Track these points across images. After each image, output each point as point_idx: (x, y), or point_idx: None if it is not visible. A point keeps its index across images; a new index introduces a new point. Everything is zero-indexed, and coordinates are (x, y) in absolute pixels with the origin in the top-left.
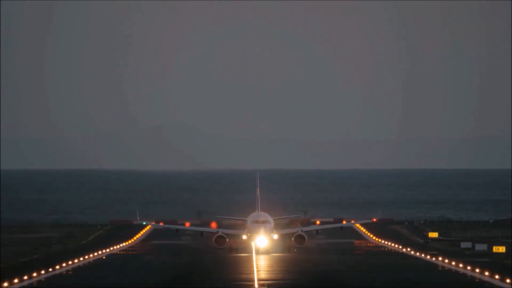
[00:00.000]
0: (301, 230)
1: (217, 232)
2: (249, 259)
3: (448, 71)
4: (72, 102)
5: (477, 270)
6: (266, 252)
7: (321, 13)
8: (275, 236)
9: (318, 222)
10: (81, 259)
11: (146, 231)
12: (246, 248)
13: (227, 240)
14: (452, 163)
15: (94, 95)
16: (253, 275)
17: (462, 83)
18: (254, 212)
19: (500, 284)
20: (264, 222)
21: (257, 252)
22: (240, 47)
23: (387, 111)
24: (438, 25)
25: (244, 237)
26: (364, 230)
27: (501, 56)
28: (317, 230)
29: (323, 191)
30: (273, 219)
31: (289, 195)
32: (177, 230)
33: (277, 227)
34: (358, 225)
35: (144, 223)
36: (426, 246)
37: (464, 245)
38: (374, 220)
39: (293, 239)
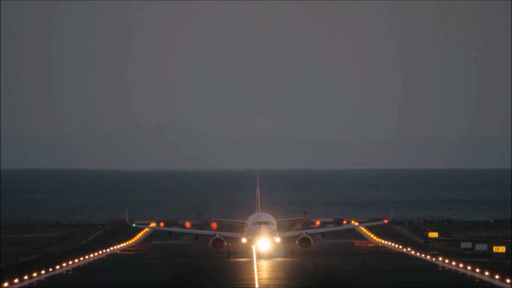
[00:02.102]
0: (306, 233)
1: (214, 234)
2: (250, 264)
3: (447, 71)
4: (74, 102)
5: (477, 270)
6: (268, 257)
7: (320, 13)
8: (278, 240)
9: (318, 223)
10: (81, 259)
11: (146, 231)
12: (246, 252)
13: (226, 243)
14: (451, 163)
15: (97, 95)
16: (254, 283)
17: (460, 82)
18: (254, 213)
19: (500, 284)
20: (266, 223)
21: (258, 257)
22: (241, 48)
23: (386, 111)
24: (436, 25)
25: (244, 240)
26: (364, 230)
27: (499, 55)
28: (322, 233)
29: (323, 191)
30: (276, 221)
31: (290, 196)
32: (170, 232)
33: (280, 229)
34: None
35: (134, 225)
36: (426, 246)
37: (464, 245)
38: (385, 221)
39: (297, 242)
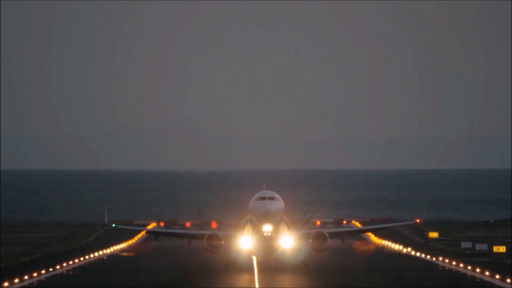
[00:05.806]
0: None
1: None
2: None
3: (446, 71)
4: (74, 102)
5: (478, 270)
6: (273, 260)
7: (322, 13)
8: (289, 238)
9: (318, 223)
10: (82, 259)
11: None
12: (245, 261)
13: (223, 242)
14: (452, 163)
15: (97, 95)
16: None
17: (460, 82)
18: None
19: (501, 284)
20: (271, 198)
21: (261, 268)
22: (241, 47)
23: (386, 112)
24: (436, 25)
25: (244, 243)
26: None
27: (499, 55)
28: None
29: (324, 191)
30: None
31: (290, 196)
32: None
33: (291, 226)
34: (358, 224)
35: (113, 225)
36: (427, 246)
37: (464, 245)
38: (418, 221)
39: (310, 240)
